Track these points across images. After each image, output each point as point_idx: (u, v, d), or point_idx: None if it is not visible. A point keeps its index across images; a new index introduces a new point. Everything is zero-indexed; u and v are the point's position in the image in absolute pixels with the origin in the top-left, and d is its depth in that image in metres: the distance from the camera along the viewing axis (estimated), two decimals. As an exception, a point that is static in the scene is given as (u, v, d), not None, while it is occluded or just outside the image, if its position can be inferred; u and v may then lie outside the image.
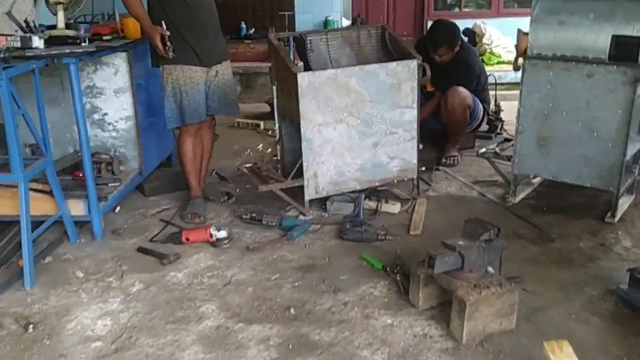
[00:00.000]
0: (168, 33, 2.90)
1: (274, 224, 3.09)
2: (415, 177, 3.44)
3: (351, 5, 8.06)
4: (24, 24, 3.28)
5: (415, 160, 3.40)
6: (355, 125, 3.19)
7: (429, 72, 3.25)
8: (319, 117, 3.10)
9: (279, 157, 3.62)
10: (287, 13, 7.02)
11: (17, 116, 2.45)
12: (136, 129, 3.41)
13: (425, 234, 3.03)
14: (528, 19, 7.20)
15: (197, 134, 3.23)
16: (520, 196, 3.44)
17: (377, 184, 3.37)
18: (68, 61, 2.63)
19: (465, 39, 7.38)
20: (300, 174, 3.17)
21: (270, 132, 4.87)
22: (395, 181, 3.41)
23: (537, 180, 3.54)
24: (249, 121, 5.27)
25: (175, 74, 3.03)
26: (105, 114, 3.40)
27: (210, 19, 3.08)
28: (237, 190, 3.66)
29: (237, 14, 7.45)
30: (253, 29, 7.39)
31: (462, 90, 3.95)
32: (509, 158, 3.43)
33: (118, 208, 3.31)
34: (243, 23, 7.33)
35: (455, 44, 3.95)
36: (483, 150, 3.57)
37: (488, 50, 6.94)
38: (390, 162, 3.34)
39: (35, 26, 3.25)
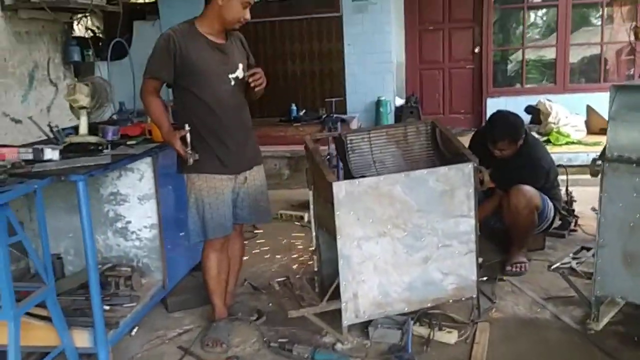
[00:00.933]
0: (186, 131, 2.62)
1: (306, 356, 2.65)
2: (474, 295, 2.93)
3: (404, 84, 7.77)
4: (47, 129, 3.13)
5: (474, 277, 2.90)
6: (401, 238, 2.76)
7: (487, 177, 2.82)
8: (359, 230, 2.69)
9: (315, 269, 3.21)
10: (334, 100, 6.83)
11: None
12: (160, 237, 3.12)
13: (488, 375, 2.50)
14: (597, 95, 6.69)
15: (222, 248, 2.88)
16: (604, 321, 2.84)
17: (429, 305, 2.88)
18: (75, 179, 2.38)
19: (529, 117, 6.94)
20: (338, 293, 2.74)
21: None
22: (451, 301, 2.92)
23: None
24: (292, 213, 4.92)
25: (198, 184, 2.74)
26: (129, 222, 3.13)
27: (240, 125, 2.78)
28: (270, 304, 3.25)
29: (288, 96, 7.35)
30: (304, 111, 7.23)
31: (528, 190, 3.44)
32: (589, 276, 2.88)
33: (135, 329, 2.97)
34: (293, 105, 7.19)
35: (518, 138, 3.48)
36: (556, 265, 3.02)
37: (555, 130, 6.37)
38: (444, 279, 2.86)
39: (59, 131, 3.09)
